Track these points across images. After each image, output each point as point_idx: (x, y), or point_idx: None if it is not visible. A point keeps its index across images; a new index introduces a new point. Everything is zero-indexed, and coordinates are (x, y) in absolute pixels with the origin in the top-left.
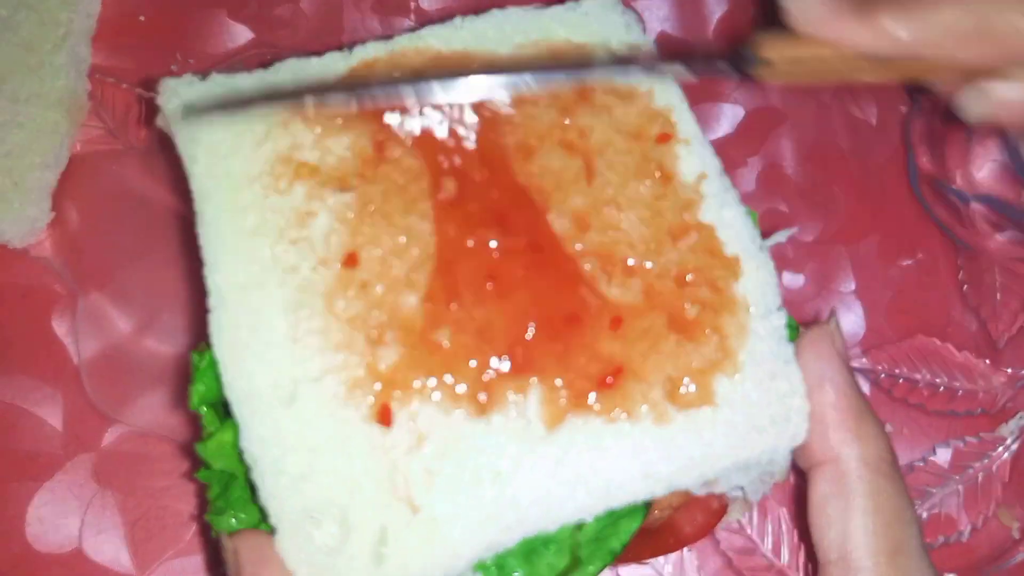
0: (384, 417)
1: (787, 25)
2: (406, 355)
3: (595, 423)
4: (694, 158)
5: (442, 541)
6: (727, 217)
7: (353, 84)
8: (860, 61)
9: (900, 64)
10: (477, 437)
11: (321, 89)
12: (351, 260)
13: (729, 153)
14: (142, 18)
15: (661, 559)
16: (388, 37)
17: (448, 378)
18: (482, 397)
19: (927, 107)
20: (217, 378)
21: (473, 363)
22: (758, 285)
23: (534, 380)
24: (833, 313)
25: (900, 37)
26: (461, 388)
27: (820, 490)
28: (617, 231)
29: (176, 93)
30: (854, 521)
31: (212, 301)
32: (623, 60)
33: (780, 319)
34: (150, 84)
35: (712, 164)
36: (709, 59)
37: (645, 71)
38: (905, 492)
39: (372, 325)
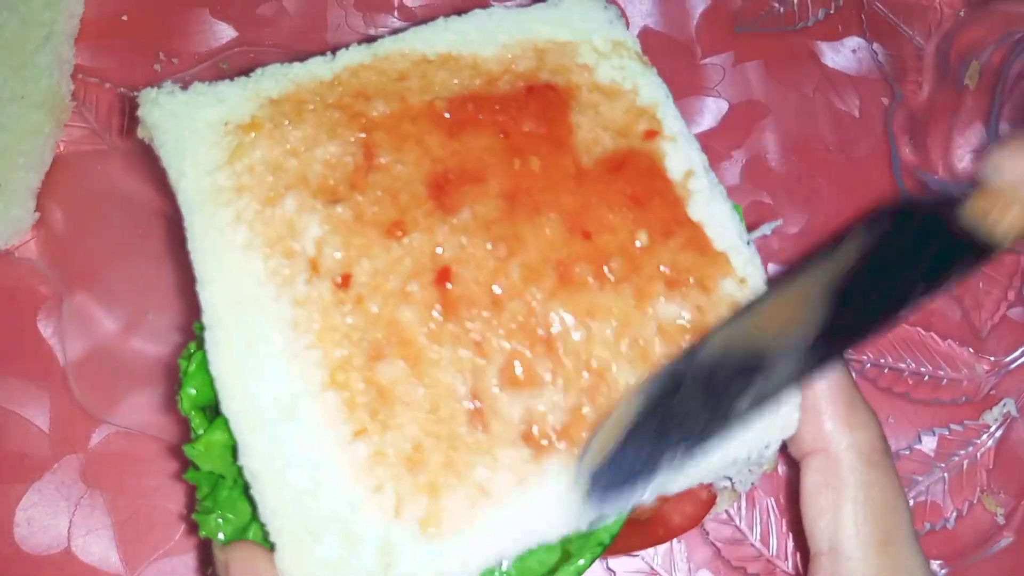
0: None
1: (993, 189)
2: (406, 368)
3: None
4: (680, 154)
5: (449, 554)
6: (715, 213)
7: None
8: None
9: None
10: (479, 451)
11: None
12: (347, 273)
13: (713, 146)
14: (125, 18)
15: (651, 551)
16: (371, 39)
17: (447, 389)
18: (475, 405)
19: (909, 99)
20: (206, 382)
21: (470, 381)
22: (747, 281)
23: (530, 392)
24: None
25: None
26: (461, 396)
27: (811, 480)
28: (605, 232)
29: (157, 103)
30: (845, 511)
31: (206, 317)
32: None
33: None
34: (134, 84)
35: (698, 160)
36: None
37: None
38: (897, 482)
39: (371, 338)
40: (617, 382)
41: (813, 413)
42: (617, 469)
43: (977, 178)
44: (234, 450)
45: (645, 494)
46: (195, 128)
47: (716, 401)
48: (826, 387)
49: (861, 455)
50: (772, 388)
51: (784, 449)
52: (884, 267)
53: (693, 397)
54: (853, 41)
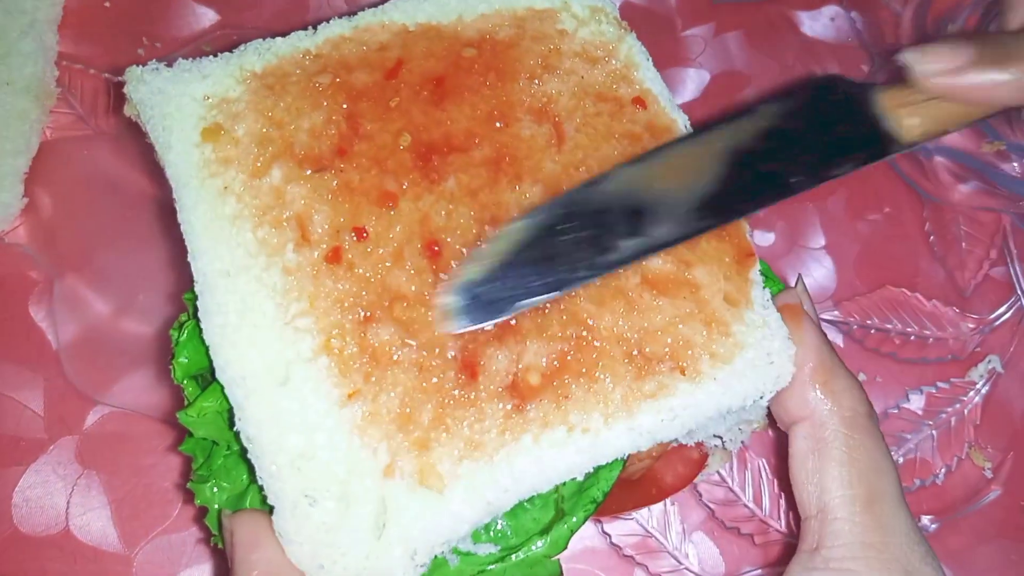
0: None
1: (911, 84)
2: (397, 331)
3: (578, 383)
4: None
5: (442, 508)
6: None
7: None
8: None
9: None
10: (467, 405)
11: None
12: (336, 241)
13: (695, 117)
14: (107, 4)
15: (645, 513)
16: (352, 13)
17: (436, 348)
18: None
19: (888, 64)
20: (198, 350)
21: (458, 339)
22: None
23: (515, 347)
24: (800, 278)
25: None
26: (449, 354)
27: (798, 446)
28: None
29: (142, 80)
30: (830, 473)
31: (198, 287)
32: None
33: (754, 265)
34: (118, 69)
35: (681, 119)
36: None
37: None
38: (882, 443)
39: (363, 304)
40: (600, 332)
41: (796, 382)
42: (494, 285)
43: (901, 71)
44: (227, 416)
45: (512, 314)
46: (180, 103)
47: (604, 238)
48: (806, 357)
49: (844, 419)
50: (661, 236)
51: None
52: (790, 137)
53: (582, 230)
54: (831, 9)
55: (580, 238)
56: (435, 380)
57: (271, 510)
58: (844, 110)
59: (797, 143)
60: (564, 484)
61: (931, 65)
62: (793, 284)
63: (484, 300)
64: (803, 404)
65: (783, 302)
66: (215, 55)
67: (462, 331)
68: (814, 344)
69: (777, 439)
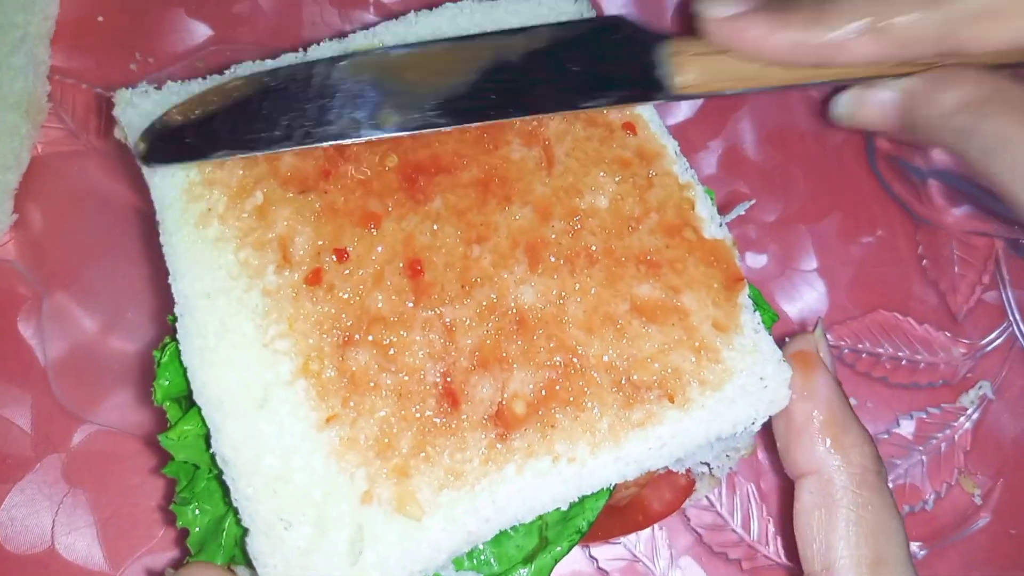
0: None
1: (702, 34)
2: (376, 355)
3: (565, 412)
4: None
5: (421, 536)
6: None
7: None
8: (773, 69)
9: (808, 71)
10: (448, 433)
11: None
12: (317, 262)
13: (690, 136)
14: (100, 18)
15: (633, 538)
16: (346, 34)
17: (417, 374)
18: (445, 389)
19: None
20: (179, 373)
21: (440, 365)
22: None
23: (500, 375)
24: (819, 322)
25: (810, 40)
26: (431, 380)
27: (805, 501)
28: (579, 219)
29: (131, 103)
30: (836, 532)
31: (178, 309)
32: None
33: (743, 290)
34: (110, 84)
35: (671, 145)
36: (626, 88)
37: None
38: (890, 502)
39: (341, 326)
40: (588, 360)
41: (806, 434)
42: (200, 129)
43: (696, 23)
44: (208, 439)
45: (206, 161)
46: None
47: (328, 111)
48: (818, 408)
49: (853, 476)
50: (390, 121)
51: (762, 433)
52: (553, 62)
53: (306, 100)
54: None
55: (300, 106)
56: (415, 407)
57: (242, 536)
58: (620, 50)
59: (558, 70)
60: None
61: (716, 10)
62: (793, 317)
63: (177, 141)
64: (811, 458)
65: (798, 348)
66: (208, 73)
67: (154, 170)
68: (826, 396)
69: (769, 465)
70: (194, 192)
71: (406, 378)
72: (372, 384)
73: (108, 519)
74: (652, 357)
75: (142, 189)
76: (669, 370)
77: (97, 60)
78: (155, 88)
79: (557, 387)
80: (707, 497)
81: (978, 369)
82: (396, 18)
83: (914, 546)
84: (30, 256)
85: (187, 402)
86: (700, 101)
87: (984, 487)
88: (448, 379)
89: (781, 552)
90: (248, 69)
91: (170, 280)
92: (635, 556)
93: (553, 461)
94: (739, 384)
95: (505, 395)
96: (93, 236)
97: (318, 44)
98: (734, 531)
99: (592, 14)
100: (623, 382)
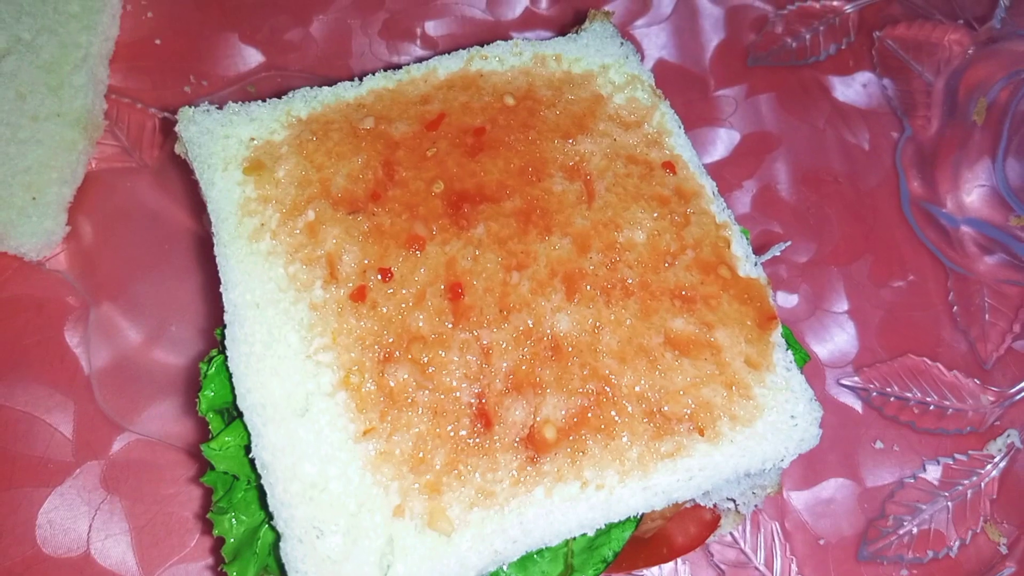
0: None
1: None
2: (415, 372)
3: (595, 439)
4: (691, 181)
5: (449, 553)
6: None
7: None
8: None
9: None
10: (481, 453)
11: None
12: (362, 280)
13: (725, 176)
14: (158, 41)
15: (656, 570)
16: (395, 66)
17: (453, 394)
18: (479, 409)
19: (918, 133)
20: (224, 385)
21: (475, 387)
22: None
23: (533, 399)
24: None
25: None
26: (466, 400)
27: None
28: (616, 252)
29: (193, 120)
30: None
31: (228, 317)
32: None
33: (776, 328)
34: (164, 104)
35: (708, 185)
36: None
37: None
38: None
39: (383, 343)
40: (621, 390)
41: None
42: None
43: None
44: (248, 450)
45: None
46: (227, 144)
47: None
48: None
49: None
50: None
51: (789, 471)
52: None
53: None
54: (863, 76)
55: None
56: (450, 426)
57: (275, 542)
58: None
59: None
60: (575, 538)
61: None
62: (823, 358)
63: None
64: None
65: None
66: (260, 96)
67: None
68: None
69: (794, 503)
70: (249, 207)
71: (442, 397)
72: (409, 400)
73: (143, 527)
74: (684, 390)
75: (193, 206)
76: (700, 404)
77: (153, 81)
78: (216, 108)
79: (589, 414)
80: (731, 533)
81: (1006, 417)
82: (444, 52)
83: None
84: (80, 267)
85: (229, 414)
86: (736, 141)
87: (1010, 536)
88: (482, 400)
89: None
90: (303, 92)
91: (222, 289)
92: None
93: (582, 487)
94: (770, 421)
95: (537, 419)
96: (141, 251)
97: (372, 74)
98: (757, 568)
99: (637, 57)
100: (654, 413)
